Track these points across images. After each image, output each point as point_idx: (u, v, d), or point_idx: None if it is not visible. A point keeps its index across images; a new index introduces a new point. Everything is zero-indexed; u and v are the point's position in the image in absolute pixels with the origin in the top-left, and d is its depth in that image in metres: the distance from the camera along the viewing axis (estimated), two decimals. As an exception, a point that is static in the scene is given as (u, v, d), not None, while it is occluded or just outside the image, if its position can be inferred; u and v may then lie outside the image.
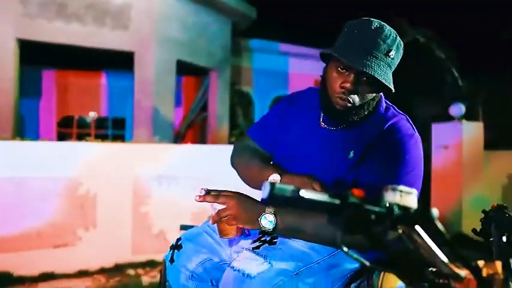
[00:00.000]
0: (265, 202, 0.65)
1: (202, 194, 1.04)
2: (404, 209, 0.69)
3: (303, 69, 8.44)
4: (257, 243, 1.10)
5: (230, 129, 6.95)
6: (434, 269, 0.76)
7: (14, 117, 4.77)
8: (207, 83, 7.01)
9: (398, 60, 1.10)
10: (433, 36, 4.95)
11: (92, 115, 7.35)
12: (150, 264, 3.34)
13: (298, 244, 1.08)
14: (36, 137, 6.73)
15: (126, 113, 7.58)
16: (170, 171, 3.54)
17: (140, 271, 3.26)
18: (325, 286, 1.06)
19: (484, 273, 0.74)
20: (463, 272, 0.74)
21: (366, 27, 1.05)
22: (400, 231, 0.71)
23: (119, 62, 6.37)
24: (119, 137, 7.48)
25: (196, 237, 1.23)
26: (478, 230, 0.99)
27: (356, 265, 1.11)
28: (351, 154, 1.10)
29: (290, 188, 0.65)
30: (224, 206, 1.03)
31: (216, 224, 1.08)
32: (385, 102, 1.18)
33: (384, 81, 1.02)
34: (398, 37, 1.07)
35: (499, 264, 0.75)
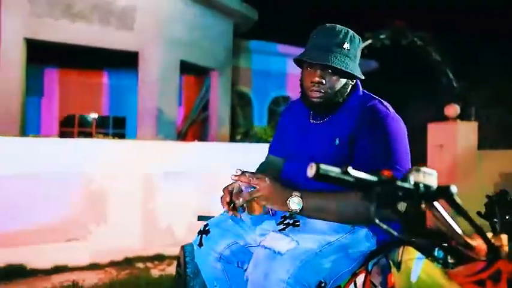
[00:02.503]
0: (314, 179, 0.76)
1: (238, 174, 1.16)
2: (427, 187, 0.81)
3: (300, 70, 8.56)
4: (282, 226, 1.22)
5: (231, 128, 7.06)
6: (449, 240, 0.88)
7: (21, 116, 4.84)
8: (208, 83, 7.11)
9: (358, 50, 1.29)
10: (430, 39, 5.11)
11: (93, 115, 7.41)
12: (159, 258, 3.43)
13: (319, 225, 1.20)
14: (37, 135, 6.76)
15: (127, 112, 7.64)
16: (177, 167, 3.64)
17: (149, 264, 3.35)
18: (345, 263, 1.18)
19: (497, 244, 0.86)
20: (475, 242, 0.87)
21: (320, 31, 1.27)
22: (423, 206, 0.83)
23: (120, 61, 6.45)
24: (120, 136, 7.54)
25: (223, 223, 1.34)
26: (483, 213, 1.12)
27: (371, 244, 1.23)
28: (337, 141, 1.24)
29: (333, 168, 0.77)
30: (256, 188, 1.15)
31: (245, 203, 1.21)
32: (362, 91, 1.34)
33: (343, 68, 1.20)
34: (350, 31, 1.27)
35: (504, 237, 0.87)
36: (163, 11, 5.84)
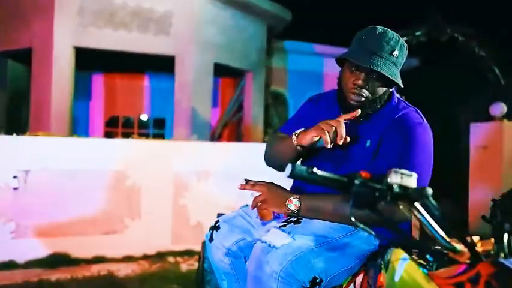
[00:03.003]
0: (289, 177, 0.81)
1: (243, 184, 1.24)
2: (404, 188, 0.83)
3: (337, 69, 8.44)
4: (284, 223, 1.27)
5: (264, 129, 7.15)
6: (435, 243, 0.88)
7: (70, 118, 5.27)
8: (242, 84, 7.25)
9: (404, 59, 1.26)
10: (472, 34, 4.83)
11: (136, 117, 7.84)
12: (188, 253, 3.59)
13: (319, 224, 1.23)
14: (85, 136, 7.30)
15: (166, 114, 7.99)
16: (207, 167, 3.78)
17: (179, 259, 3.51)
18: (340, 262, 1.20)
19: (480, 248, 0.86)
20: (460, 246, 0.86)
21: (371, 33, 1.24)
22: (401, 206, 0.85)
23: (160, 65, 6.77)
24: (160, 136, 7.91)
25: (232, 220, 1.42)
26: (488, 217, 1.09)
27: (372, 247, 1.24)
28: (368, 143, 1.25)
29: (306, 168, 0.81)
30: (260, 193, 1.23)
31: (256, 210, 1.28)
32: (397, 97, 1.33)
33: (390, 76, 1.19)
34: (401, 39, 1.24)
35: (492, 241, 0.86)
36: (198, 15, 6.05)
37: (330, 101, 1.39)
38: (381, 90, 1.25)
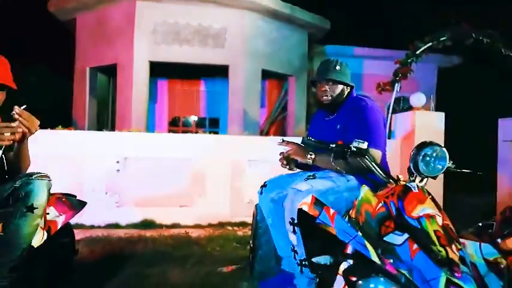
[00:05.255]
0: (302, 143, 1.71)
1: (280, 142, 2.13)
2: (358, 149, 1.67)
3: (375, 70, 8.98)
4: (306, 178, 2.13)
5: (306, 125, 7.98)
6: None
7: (146, 118, 6.52)
8: (286, 87, 8.12)
9: (348, 70, 2.16)
10: (498, 36, 5.20)
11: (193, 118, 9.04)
12: (243, 224, 4.50)
13: (326, 180, 2.08)
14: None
15: (220, 114, 9.10)
16: (257, 156, 4.71)
17: (235, 228, 4.45)
18: (343, 203, 2.03)
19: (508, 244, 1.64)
20: (391, 179, 1.69)
21: (322, 63, 2.19)
22: (357, 158, 1.70)
23: (214, 72, 7.85)
24: (214, 134, 9.02)
25: (274, 181, 2.31)
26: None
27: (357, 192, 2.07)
28: (338, 127, 2.13)
29: (307, 138, 1.70)
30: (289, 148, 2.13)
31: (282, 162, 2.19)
32: (355, 94, 2.20)
33: (335, 79, 2.09)
34: (339, 61, 2.16)
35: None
36: (248, 30, 7.04)
37: (318, 113, 2.35)
38: (338, 90, 2.12)
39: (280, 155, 2.19)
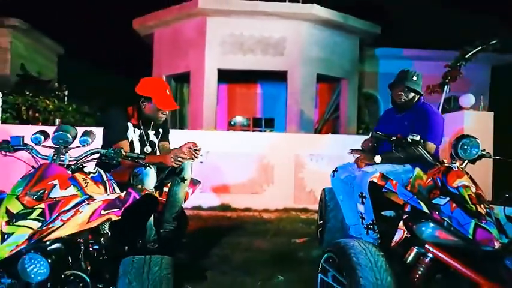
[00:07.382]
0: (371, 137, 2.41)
1: (349, 152, 2.83)
2: (413, 140, 2.34)
3: (424, 70, 9.22)
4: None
5: (358, 125, 8.50)
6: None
7: (215, 118, 7.48)
8: (338, 89, 8.72)
9: (421, 81, 2.76)
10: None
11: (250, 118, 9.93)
12: (305, 210, 5.21)
13: (388, 165, 2.73)
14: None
15: (275, 114, 9.89)
16: (316, 151, 5.40)
17: (299, 213, 5.17)
18: (400, 182, 2.65)
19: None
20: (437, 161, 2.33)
21: (403, 71, 2.79)
22: (413, 148, 2.36)
23: (269, 76, 8.64)
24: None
25: (343, 166, 3.01)
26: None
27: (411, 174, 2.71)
28: (406, 123, 2.75)
29: (376, 132, 2.39)
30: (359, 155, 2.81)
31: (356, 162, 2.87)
32: (424, 101, 2.80)
33: (413, 87, 2.70)
34: (417, 72, 2.76)
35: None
36: (304, 38, 7.75)
37: (389, 110, 2.96)
38: (411, 96, 2.74)
39: (349, 151, 2.88)
